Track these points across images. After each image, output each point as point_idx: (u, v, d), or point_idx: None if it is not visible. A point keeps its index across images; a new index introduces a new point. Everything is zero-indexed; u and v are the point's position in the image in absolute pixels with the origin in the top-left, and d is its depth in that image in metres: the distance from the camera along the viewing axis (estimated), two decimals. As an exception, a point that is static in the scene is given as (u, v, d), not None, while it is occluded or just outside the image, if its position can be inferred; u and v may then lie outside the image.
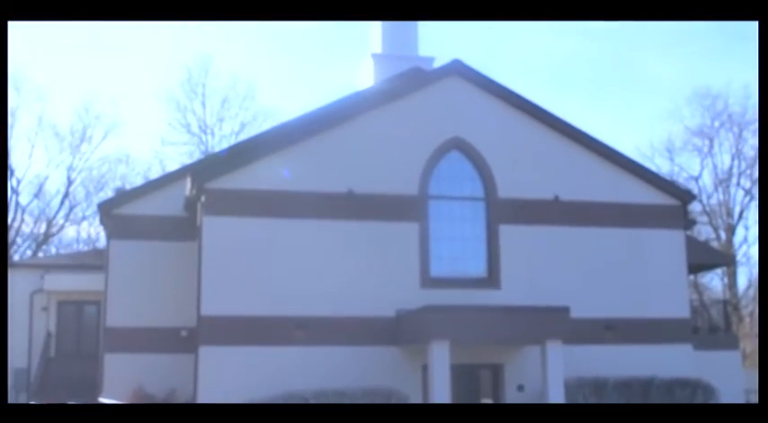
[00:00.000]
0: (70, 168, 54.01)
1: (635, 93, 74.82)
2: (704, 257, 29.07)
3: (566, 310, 20.77)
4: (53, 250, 54.74)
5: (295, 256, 21.61)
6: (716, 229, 52.62)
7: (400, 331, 21.53)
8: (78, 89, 74.02)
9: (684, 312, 24.04)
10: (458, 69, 23.67)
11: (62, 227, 55.28)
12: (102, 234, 34.41)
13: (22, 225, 53.15)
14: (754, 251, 51.61)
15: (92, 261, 32.81)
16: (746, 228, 52.25)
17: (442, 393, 19.50)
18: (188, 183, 22.44)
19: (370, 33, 31.08)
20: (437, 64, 27.41)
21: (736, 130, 52.86)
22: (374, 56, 29.28)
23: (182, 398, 22.74)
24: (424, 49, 29.90)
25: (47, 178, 53.77)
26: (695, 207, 49.72)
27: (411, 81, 24.47)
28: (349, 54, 75.37)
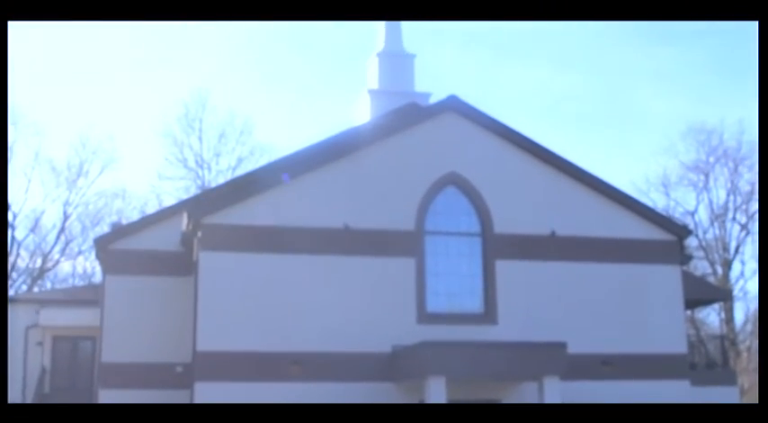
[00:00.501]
0: (66, 203, 54.02)
1: (630, 128, 75.16)
2: (701, 293, 29.01)
3: (563, 345, 20.70)
4: (48, 285, 54.57)
5: (291, 292, 21.56)
6: (712, 264, 52.59)
7: (396, 367, 21.43)
8: (75, 124, 74.25)
9: (682, 348, 23.98)
10: (454, 105, 23.77)
11: (58, 261, 55.17)
12: (98, 269, 34.34)
13: (18, 260, 53.03)
14: (751, 286, 51.58)
15: (87, 296, 32.68)
16: (743, 262, 52.25)
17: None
18: (184, 218, 22.45)
19: (366, 69, 31.27)
20: (433, 99, 27.54)
21: (731, 165, 53.03)
22: (370, 91, 29.43)
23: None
24: (421, 85, 30.11)
25: (43, 213, 53.78)
26: (691, 242, 49.71)
27: (407, 116, 24.56)
28: (345, 90, 75.73)
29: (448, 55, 72.83)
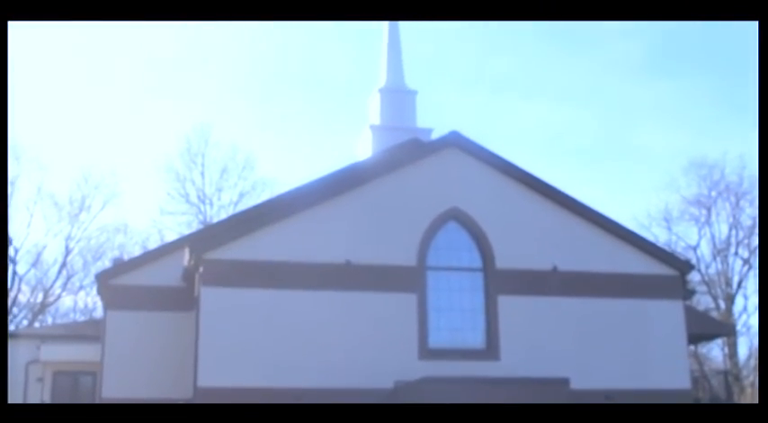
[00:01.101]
0: (68, 238, 54.00)
1: (631, 162, 75.33)
2: (704, 327, 28.91)
3: (565, 381, 20.59)
4: (49, 320, 54.43)
5: (293, 327, 21.51)
6: (715, 299, 52.44)
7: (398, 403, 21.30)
8: (78, 159, 74.49)
9: (685, 383, 23.83)
10: (455, 141, 23.85)
11: (59, 296, 55.06)
12: (99, 304, 34.26)
13: (19, 294, 52.96)
14: (754, 320, 51.38)
15: (88, 331, 32.53)
16: (746, 297, 52.10)
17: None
18: (186, 253, 22.44)
19: (368, 105, 31.40)
20: (435, 135, 27.64)
21: (732, 199, 53.04)
22: (372, 127, 29.54)
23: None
24: (422, 121, 30.22)
25: (45, 247, 53.73)
26: (694, 276, 49.61)
27: (409, 152, 24.64)
28: (347, 125, 76.03)
29: (449, 90, 73.20)
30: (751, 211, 51.34)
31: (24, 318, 53.42)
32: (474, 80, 76.31)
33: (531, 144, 75.07)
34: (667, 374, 23.60)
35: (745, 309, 52.03)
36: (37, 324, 51.85)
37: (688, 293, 26.29)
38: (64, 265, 53.87)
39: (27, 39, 68.82)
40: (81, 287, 55.17)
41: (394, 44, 31.80)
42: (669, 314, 24.10)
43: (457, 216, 23.40)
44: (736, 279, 52.18)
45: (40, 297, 54.12)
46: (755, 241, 50.39)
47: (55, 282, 54.11)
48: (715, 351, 52.61)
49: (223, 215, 50.48)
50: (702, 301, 51.21)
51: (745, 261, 51.86)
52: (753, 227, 50.95)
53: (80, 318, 52.61)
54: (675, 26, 73.08)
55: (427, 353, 22.11)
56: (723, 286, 52.55)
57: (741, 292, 52.07)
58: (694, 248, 52.86)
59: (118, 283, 24.82)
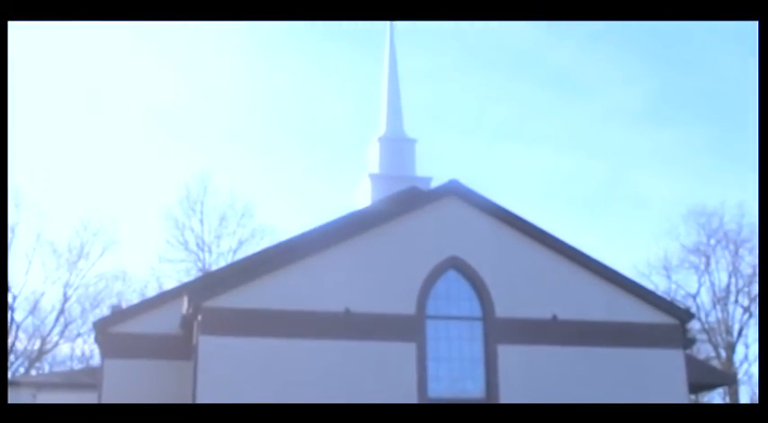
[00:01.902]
0: (67, 285, 53.89)
1: (630, 210, 75.47)
2: (705, 377, 28.72)
3: (566, 432, 20.38)
4: (46, 368, 54.10)
5: (291, 377, 21.36)
6: (716, 348, 52.23)
7: (398, 454, 21.11)
8: (77, 206, 74.61)
9: (686, 434, 23.64)
10: (455, 189, 23.92)
11: (56, 344, 54.79)
12: (97, 351, 34.08)
13: (16, 342, 52.69)
14: (755, 369, 51.10)
15: (85, 380, 32.32)
16: (746, 345, 51.90)
17: None
18: (185, 301, 22.38)
19: (367, 153, 31.51)
20: (434, 183, 27.69)
21: (732, 247, 53.10)
22: (372, 175, 29.61)
23: None
24: (422, 169, 30.30)
25: (43, 294, 53.60)
26: (694, 325, 49.43)
27: (408, 201, 24.69)
28: (347, 173, 76.25)
29: (448, 139, 73.56)
30: (750, 260, 51.38)
31: (21, 365, 53.09)
32: (473, 128, 76.76)
33: (530, 192, 75.26)
34: (668, 425, 23.42)
35: (746, 357, 51.82)
36: (34, 372, 51.52)
37: (688, 342, 26.16)
38: (62, 312, 53.71)
39: (26, 85, 69.36)
40: (78, 335, 54.98)
41: (393, 92, 32.00)
42: (669, 363, 23.95)
43: (456, 265, 23.38)
44: (736, 327, 52.05)
45: (37, 344, 53.87)
46: (755, 290, 50.34)
47: (52, 329, 53.92)
48: (716, 401, 52.26)
49: (222, 263, 50.46)
50: (703, 350, 51.00)
51: (746, 309, 51.76)
52: (752, 275, 50.94)
53: (77, 366, 52.28)
54: (675, 75, 73.67)
55: (427, 402, 21.93)
56: (723, 335, 52.38)
57: (742, 340, 51.90)
58: (694, 297, 52.81)
59: (115, 331, 24.69)
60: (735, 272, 52.66)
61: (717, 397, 51.38)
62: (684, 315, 25.21)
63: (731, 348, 51.68)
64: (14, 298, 52.04)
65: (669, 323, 24.38)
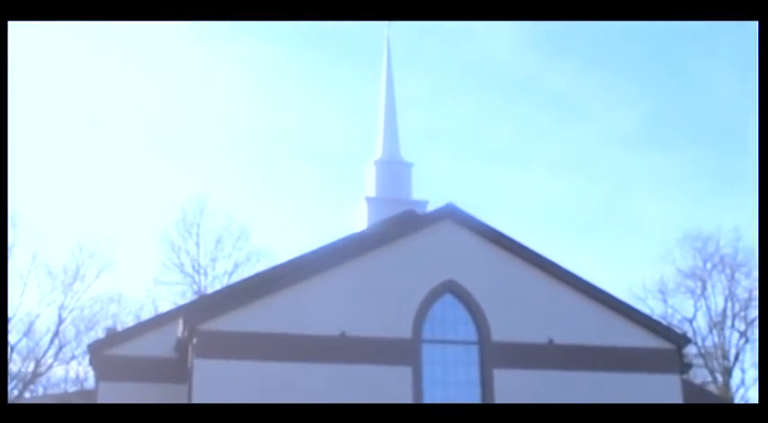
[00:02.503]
0: (62, 307, 53.64)
1: (626, 234, 75.42)
2: (701, 402, 28.62)
3: (562, 457, 20.28)
4: (40, 390, 53.79)
5: (287, 401, 21.24)
6: (712, 372, 52.07)
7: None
8: (73, 227, 74.51)
9: (683, 460, 23.55)
10: (451, 213, 23.94)
11: (50, 366, 54.47)
12: (91, 374, 33.91)
13: (11, 364, 52.44)
14: (753, 394, 50.94)
15: (79, 402, 32.17)
16: (743, 370, 51.72)
17: None
18: (180, 324, 22.32)
19: (364, 176, 31.55)
20: (430, 207, 27.73)
21: (728, 272, 53.02)
22: (368, 199, 29.65)
23: None
24: (418, 193, 30.33)
25: (37, 316, 53.37)
26: (690, 349, 49.33)
27: (405, 224, 24.70)
28: (343, 196, 76.37)
29: (443, 162, 73.70)
30: (747, 284, 51.32)
31: (15, 388, 52.81)
32: (469, 151, 76.90)
33: (526, 215, 75.27)
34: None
35: (742, 382, 51.62)
36: (28, 394, 51.18)
37: (685, 367, 26.11)
38: (56, 334, 53.43)
39: (23, 107, 69.50)
40: (73, 357, 54.64)
41: (390, 116, 32.10)
42: (666, 388, 23.87)
43: (452, 289, 23.37)
44: (733, 352, 51.89)
45: (31, 367, 53.54)
46: (752, 314, 50.31)
47: (47, 351, 53.61)
48: (713, 426, 52.03)
49: (218, 285, 50.30)
50: (699, 375, 50.83)
51: (742, 334, 51.65)
52: (749, 299, 50.87)
53: (71, 388, 51.90)
54: (670, 98, 73.96)
55: (422, 427, 21.86)
56: (720, 359, 52.22)
57: (738, 365, 51.72)
58: (690, 321, 52.68)
59: (110, 353, 24.61)
60: (731, 296, 52.58)
61: None
62: (681, 340, 25.18)
63: (728, 373, 51.52)
64: (9, 320, 51.88)
65: (666, 348, 24.35)
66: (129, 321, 48.76)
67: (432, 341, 22.88)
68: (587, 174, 76.93)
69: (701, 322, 53.05)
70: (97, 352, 24.85)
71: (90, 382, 42.48)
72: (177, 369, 23.77)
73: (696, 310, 53.06)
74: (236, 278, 47.14)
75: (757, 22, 16.80)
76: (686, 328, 51.37)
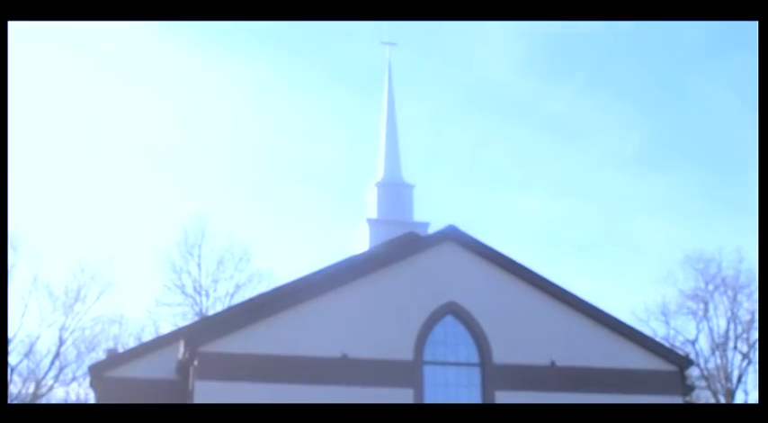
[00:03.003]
0: (62, 328, 53.56)
1: (628, 256, 75.34)
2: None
3: (564, 480, 20.20)
4: (41, 412, 53.66)
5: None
6: (715, 394, 51.85)
7: None
8: (74, 248, 74.52)
9: (686, 483, 23.43)
10: (452, 235, 23.95)
11: (51, 388, 54.31)
12: (92, 396, 33.81)
13: (11, 385, 52.31)
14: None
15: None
16: (746, 392, 51.50)
17: None
18: (181, 346, 22.28)
19: (365, 198, 31.56)
20: (432, 229, 27.71)
21: (730, 293, 52.93)
22: (369, 220, 29.63)
23: None
24: (419, 214, 30.30)
25: (38, 338, 53.29)
26: (693, 371, 49.18)
27: (406, 246, 24.71)
28: (345, 218, 76.38)
29: (445, 183, 73.74)
30: (749, 306, 51.23)
31: (15, 409, 52.72)
32: (469, 173, 76.98)
33: (527, 236, 75.24)
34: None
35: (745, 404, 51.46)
36: (27, 416, 51.07)
37: (687, 389, 26.03)
38: (57, 355, 53.33)
39: (22, 128, 69.69)
40: (74, 378, 54.49)
41: (391, 137, 32.13)
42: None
43: (454, 310, 23.35)
44: (735, 374, 51.71)
45: (31, 388, 53.36)
46: (754, 335, 50.18)
47: (47, 373, 53.49)
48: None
49: (219, 307, 50.26)
50: (702, 397, 50.64)
51: (745, 355, 51.49)
52: (751, 321, 50.77)
53: (72, 410, 51.86)
54: (670, 120, 74.11)
55: (424, 450, 21.77)
56: (723, 381, 52.03)
57: (741, 387, 51.53)
58: (693, 343, 52.53)
59: (111, 375, 24.52)
60: (733, 318, 52.47)
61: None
62: (683, 362, 25.11)
63: (731, 395, 51.30)
64: (10, 341, 51.79)
65: (668, 370, 24.27)
66: (130, 343, 48.71)
67: (433, 363, 22.85)
68: (588, 195, 76.95)
69: (704, 344, 52.90)
70: (98, 373, 24.78)
71: (90, 404, 42.32)
72: (178, 391, 23.68)
73: (698, 331, 52.92)
74: (238, 299, 47.13)
75: (757, 22, 16.84)
76: (689, 349, 51.22)
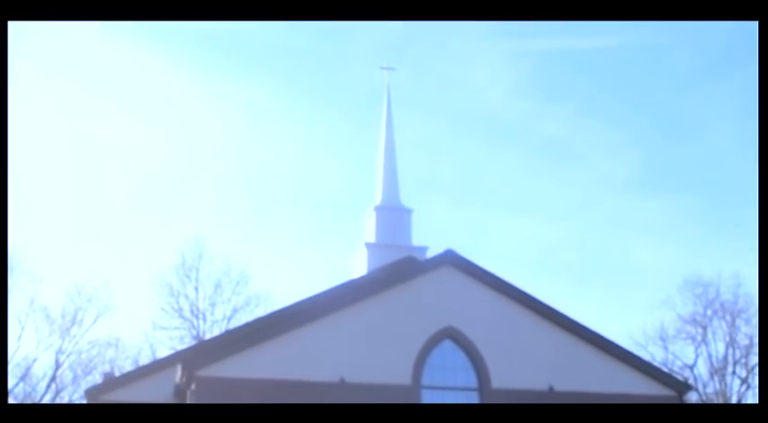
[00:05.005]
0: (59, 351, 53.38)
1: (626, 280, 75.28)
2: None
3: None
4: (36, 436, 53.39)
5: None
6: (713, 419, 51.74)
7: None
8: (72, 271, 74.36)
9: None
10: (450, 259, 23.96)
11: (47, 411, 54.16)
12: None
13: (7, 407, 52.10)
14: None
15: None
16: (745, 418, 51.41)
17: None
18: (178, 370, 22.20)
19: (364, 222, 31.58)
20: (430, 253, 27.72)
21: (728, 318, 52.87)
22: (368, 245, 29.63)
23: None
24: (418, 239, 30.31)
25: (35, 361, 53.12)
26: (692, 396, 49.02)
27: (404, 270, 24.70)
28: (343, 242, 76.33)
29: (443, 208, 73.82)
30: (747, 330, 51.17)
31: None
32: (467, 197, 77.04)
33: (524, 260, 75.16)
34: None
35: (744, 429, 51.26)
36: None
37: (686, 415, 25.95)
38: (53, 379, 53.13)
39: (20, 151, 69.78)
40: (70, 402, 54.33)
41: (389, 161, 32.19)
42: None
43: (452, 335, 23.32)
44: (734, 399, 51.58)
45: (27, 412, 53.26)
46: (753, 360, 50.09)
47: (44, 396, 53.26)
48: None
49: (216, 330, 50.14)
50: (701, 422, 50.47)
51: (743, 380, 51.37)
52: (749, 346, 50.68)
53: (68, 434, 51.59)
54: (665, 143, 74.33)
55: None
56: (721, 406, 51.91)
57: (740, 412, 51.40)
58: (691, 367, 52.41)
59: (108, 398, 24.39)
60: (732, 342, 52.38)
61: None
62: (682, 387, 25.04)
63: (729, 420, 51.19)
64: (6, 364, 51.62)
65: (667, 395, 24.18)
66: (127, 366, 48.52)
67: (431, 387, 22.77)
68: (585, 219, 77.06)
69: (702, 369, 52.78)
70: (94, 397, 24.66)
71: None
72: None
73: (697, 356, 52.82)
74: (235, 323, 47.06)
75: (757, 22, 16.86)
76: (687, 374, 51.09)
